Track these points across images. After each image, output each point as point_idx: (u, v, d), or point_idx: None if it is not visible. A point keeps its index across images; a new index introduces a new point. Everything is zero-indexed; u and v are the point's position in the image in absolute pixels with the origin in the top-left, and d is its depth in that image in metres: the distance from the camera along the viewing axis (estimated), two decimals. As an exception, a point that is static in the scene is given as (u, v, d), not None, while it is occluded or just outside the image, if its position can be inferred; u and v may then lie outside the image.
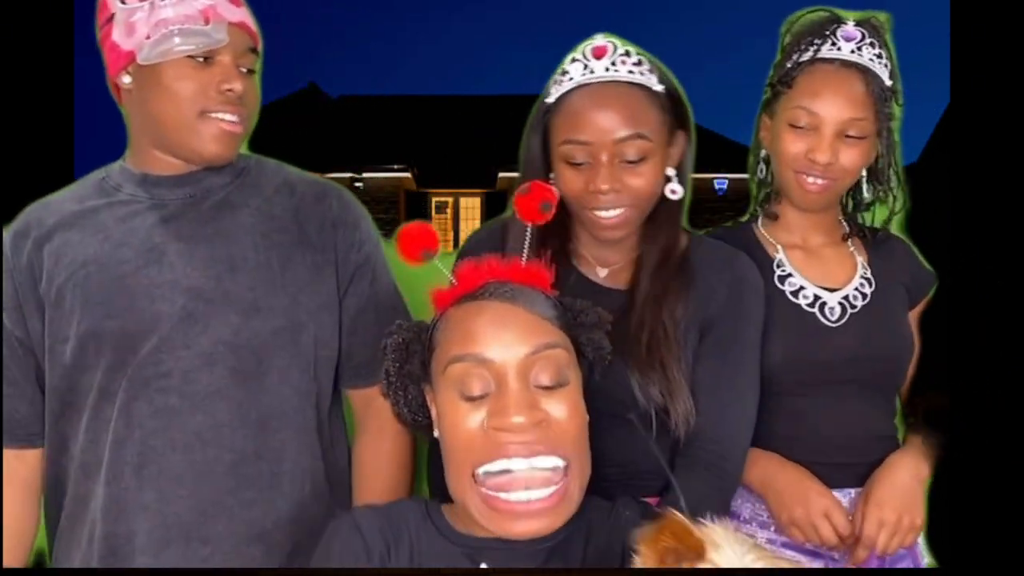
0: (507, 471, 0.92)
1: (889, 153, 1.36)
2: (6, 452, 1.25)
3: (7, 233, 1.25)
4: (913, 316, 1.44)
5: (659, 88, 1.19)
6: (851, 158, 1.31)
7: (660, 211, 1.25)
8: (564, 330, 1.00)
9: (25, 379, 1.24)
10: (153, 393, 1.16)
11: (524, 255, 1.05)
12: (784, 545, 1.33)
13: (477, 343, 0.95)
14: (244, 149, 1.31)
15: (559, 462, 0.93)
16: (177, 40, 1.14)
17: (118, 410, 1.17)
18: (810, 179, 1.32)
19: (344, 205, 1.31)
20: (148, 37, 1.15)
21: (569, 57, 1.21)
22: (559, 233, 1.25)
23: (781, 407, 1.31)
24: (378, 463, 1.29)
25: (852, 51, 1.30)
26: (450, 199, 18.61)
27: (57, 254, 1.21)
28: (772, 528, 1.34)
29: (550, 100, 1.21)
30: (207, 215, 1.22)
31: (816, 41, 1.31)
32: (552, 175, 1.23)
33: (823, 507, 1.27)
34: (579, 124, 1.17)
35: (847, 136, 1.30)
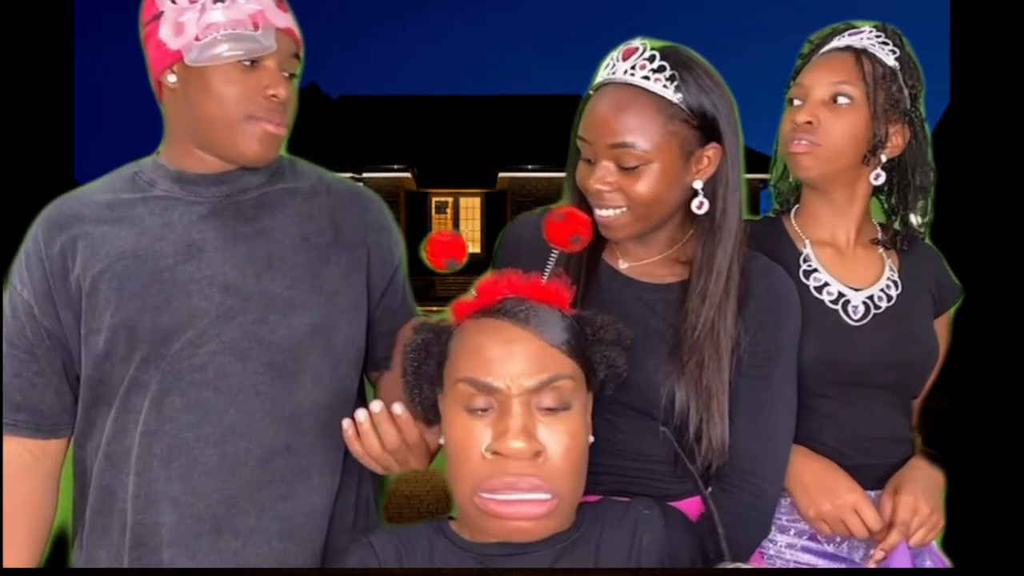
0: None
1: (917, 148, 1.37)
2: (30, 443, 1.25)
3: (38, 222, 1.26)
4: (940, 324, 1.43)
5: (675, 98, 1.16)
6: (836, 121, 1.32)
7: (702, 227, 1.23)
8: (575, 355, 1.01)
9: (52, 369, 1.24)
10: (186, 386, 1.17)
11: (547, 274, 1.05)
12: (806, 546, 1.33)
13: (485, 369, 0.97)
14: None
15: (548, 496, 0.96)
16: (228, 45, 1.16)
17: (150, 402, 1.17)
18: (795, 141, 1.34)
19: (378, 209, 1.35)
20: (197, 39, 1.16)
21: (611, 53, 1.23)
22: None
23: (802, 406, 1.29)
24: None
25: (852, 39, 1.34)
26: (450, 199, 18.59)
27: (93, 245, 1.21)
28: (792, 532, 1.34)
29: (591, 90, 1.22)
30: (246, 214, 1.24)
31: (826, 41, 1.37)
32: None
33: (852, 502, 1.26)
34: (587, 123, 1.19)
35: (835, 103, 1.32)
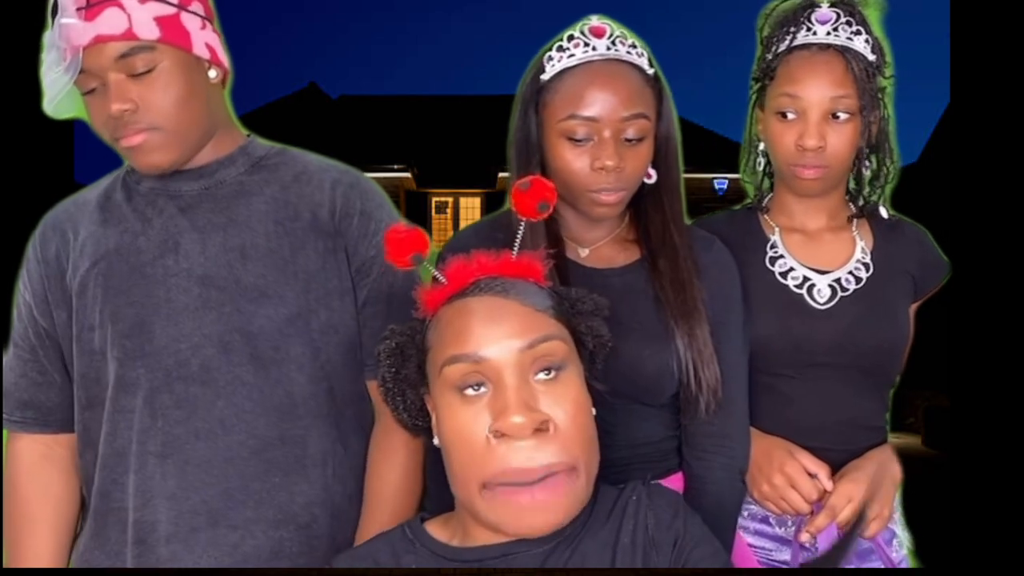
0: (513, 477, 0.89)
1: (883, 126, 1.35)
2: (41, 438, 1.28)
3: (39, 227, 1.30)
4: (915, 307, 1.42)
5: (651, 72, 1.20)
6: (841, 139, 1.30)
7: (652, 193, 1.26)
8: (562, 321, 0.96)
9: (53, 368, 1.28)
10: (174, 382, 1.18)
11: (516, 248, 1.00)
12: (759, 529, 1.35)
13: (470, 342, 0.91)
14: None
15: (564, 465, 0.89)
16: (50, 93, 1.16)
17: (142, 400, 1.18)
18: (802, 167, 1.31)
19: (361, 193, 1.29)
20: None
21: (564, 35, 1.20)
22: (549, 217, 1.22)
23: (762, 387, 1.32)
24: (388, 464, 1.26)
25: (828, 33, 1.30)
26: (450, 199, 18.61)
27: (82, 246, 1.24)
28: (745, 514, 1.34)
29: (545, 77, 1.19)
30: (221, 204, 1.24)
31: (792, 29, 1.32)
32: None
33: (787, 479, 1.28)
34: (584, 100, 1.16)
35: (834, 117, 1.29)
